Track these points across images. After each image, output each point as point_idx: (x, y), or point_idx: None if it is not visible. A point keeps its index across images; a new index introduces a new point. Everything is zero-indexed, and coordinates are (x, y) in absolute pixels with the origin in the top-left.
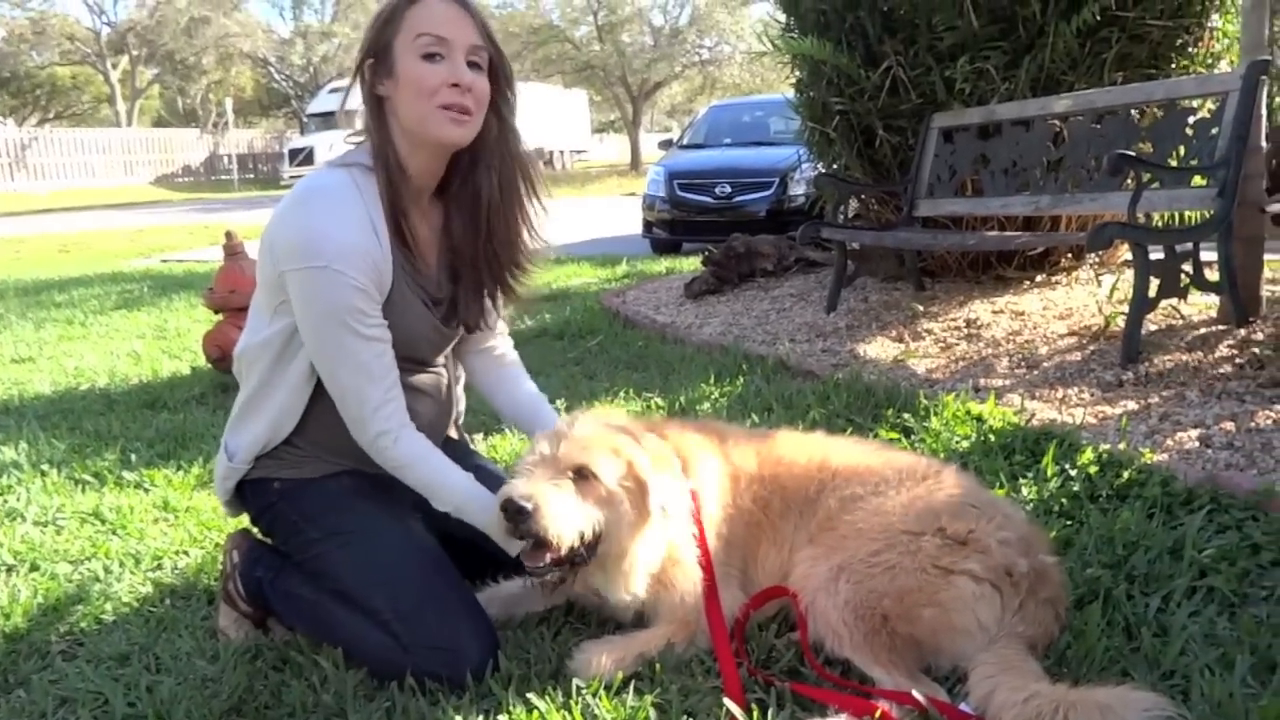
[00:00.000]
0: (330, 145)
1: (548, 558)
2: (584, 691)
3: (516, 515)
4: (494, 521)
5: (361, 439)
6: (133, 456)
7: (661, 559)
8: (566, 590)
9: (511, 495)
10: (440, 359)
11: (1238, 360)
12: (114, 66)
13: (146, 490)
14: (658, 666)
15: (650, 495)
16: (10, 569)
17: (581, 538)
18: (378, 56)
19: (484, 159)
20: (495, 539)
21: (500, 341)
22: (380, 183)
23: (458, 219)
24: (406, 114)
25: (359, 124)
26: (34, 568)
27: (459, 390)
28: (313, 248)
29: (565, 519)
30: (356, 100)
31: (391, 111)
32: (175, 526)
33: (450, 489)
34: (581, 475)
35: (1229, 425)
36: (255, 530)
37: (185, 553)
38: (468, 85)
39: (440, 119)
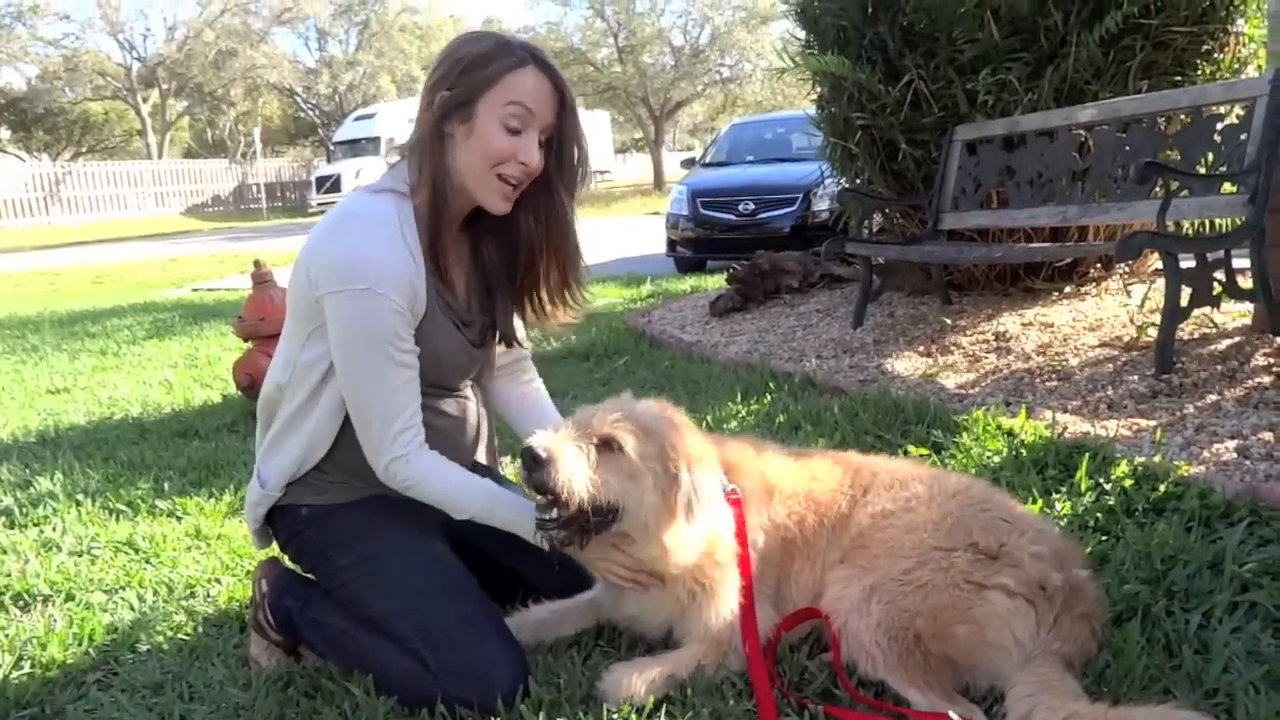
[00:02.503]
0: (357, 172)
1: (555, 512)
2: (615, 715)
3: (531, 463)
4: (515, 517)
5: (375, 462)
6: (165, 485)
7: (700, 553)
8: (600, 609)
9: (531, 444)
10: (466, 384)
11: (1274, 368)
12: (144, 100)
13: (179, 519)
14: (689, 689)
15: (680, 487)
16: (46, 599)
17: (594, 502)
18: (458, 101)
19: (524, 205)
20: (520, 533)
21: (528, 367)
22: (427, 207)
23: (490, 245)
24: (464, 166)
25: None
26: (69, 597)
27: (486, 419)
28: (354, 271)
29: (577, 475)
30: (391, 124)
31: (450, 150)
32: (207, 554)
33: (464, 495)
34: (608, 446)
35: (1267, 435)
36: (284, 558)
37: (217, 580)
38: (533, 169)
39: (492, 188)
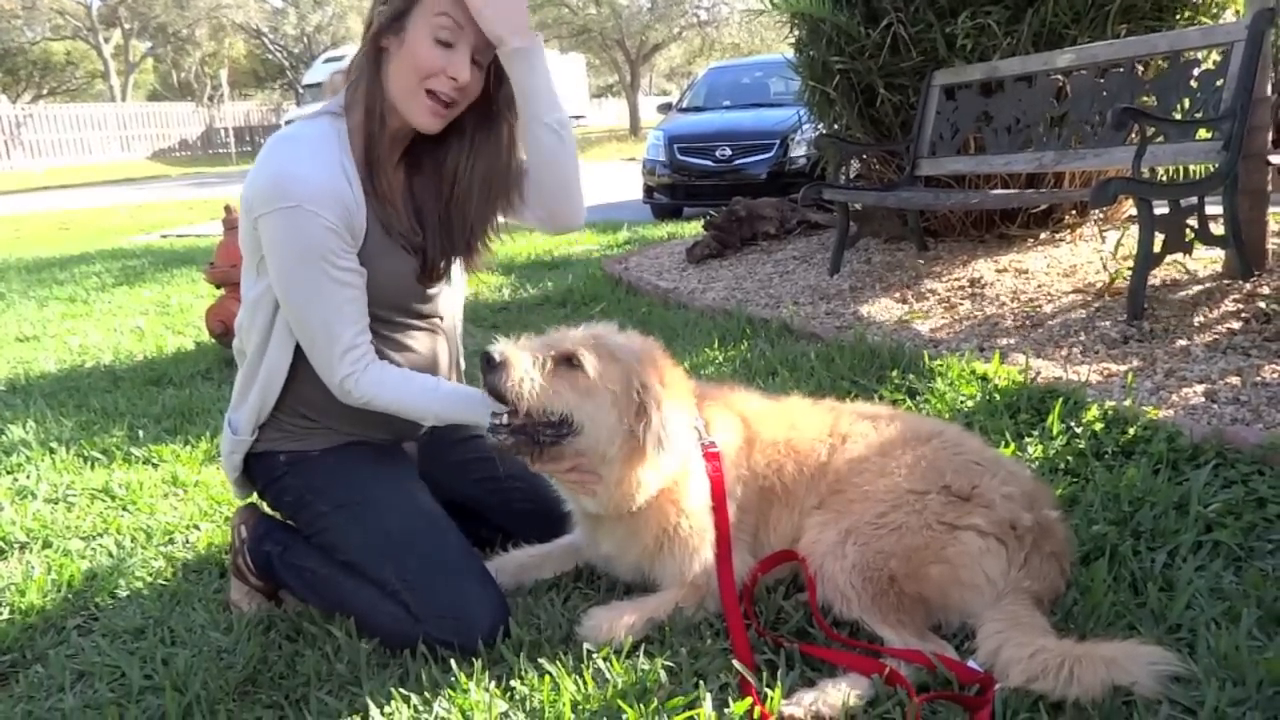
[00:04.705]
0: None
1: (504, 417)
2: (595, 656)
3: (485, 366)
4: (472, 415)
5: (329, 383)
6: (140, 433)
7: (660, 493)
8: (580, 552)
9: (488, 348)
10: (427, 307)
11: (1243, 314)
12: (106, 41)
13: (155, 466)
14: (667, 630)
15: (649, 424)
16: (24, 546)
17: (544, 412)
18: (393, 13)
19: (463, 136)
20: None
21: None
22: (363, 126)
23: (419, 179)
24: (395, 81)
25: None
26: (46, 545)
27: (456, 343)
28: (282, 190)
29: (528, 382)
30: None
31: (385, 68)
32: (185, 501)
33: (421, 399)
34: (568, 362)
35: (1235, 380)
36: (263, 504)
37: (196, 527)
38: (462, 85)
39: (421, 105)
